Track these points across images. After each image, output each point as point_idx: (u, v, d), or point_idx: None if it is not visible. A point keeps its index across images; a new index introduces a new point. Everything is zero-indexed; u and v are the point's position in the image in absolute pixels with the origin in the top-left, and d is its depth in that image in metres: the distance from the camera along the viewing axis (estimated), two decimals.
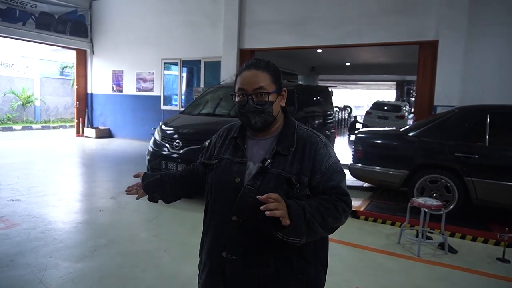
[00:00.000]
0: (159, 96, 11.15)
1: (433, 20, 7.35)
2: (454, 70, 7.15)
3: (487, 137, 4.33)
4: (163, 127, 5.68)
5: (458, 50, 7.08)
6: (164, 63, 10.97)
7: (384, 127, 12.66)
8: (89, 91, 12.61)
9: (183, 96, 11.02)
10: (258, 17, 9.33)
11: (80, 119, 12.40)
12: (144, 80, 11.37)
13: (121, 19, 11.54)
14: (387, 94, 34.90)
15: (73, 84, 16.88)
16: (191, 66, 11.04)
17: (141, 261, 3.31)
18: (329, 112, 8.07)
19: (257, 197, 1.13)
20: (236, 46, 9.55)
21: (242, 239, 1.27)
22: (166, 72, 11.12)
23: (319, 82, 18.67)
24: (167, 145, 5.31)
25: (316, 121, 7.28)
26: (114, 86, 12.03)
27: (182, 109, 9.51)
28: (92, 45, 12.18)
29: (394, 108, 15.22)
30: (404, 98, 23.56)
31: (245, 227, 1.26)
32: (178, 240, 3.82)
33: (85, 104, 12.59)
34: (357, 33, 8.16)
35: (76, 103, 12.46)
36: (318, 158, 1.28)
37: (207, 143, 5.48)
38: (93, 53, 12.26)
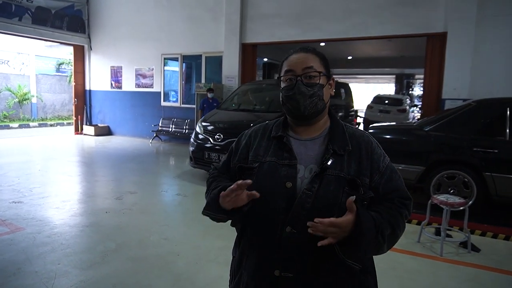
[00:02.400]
0: (159, 92, 10.95)
1: (441, 12, 7.19)
2: (463, 62, 7.01)
3: (508, 130, 4.20)
4: (204, 123, 6.35)
5: (467, 42, 6.94)
6: (164, 58, 10.76)
7: (386, 121, 12.55)
8: (87, 88, 12.37)
9: (179, 92, 10.80)
10: (260, 11, 9.13)
11: (79, 116, 12.18)
12: (144, 76, 11.15)
13: (119, 14, 11.29)
14: (385, 87, 34.77)
15: (70, 81, 16.64)
16: (191, 62, 10.84)
17: (155, 267, 3.15)
18: (350, 105, 8.52)
19: (308, 223, 1.01)
20: (238, 40, 9.35)
21: (299, 253, 1.10)
22: (166, 67, 10.90)
23: None
24: (210, 138, 5.97)
25: (340, 114, 7.79)
26: (113, 82, 11.80)
27: (182, 105, 9.41)
28: (90, 41, 11.93)
29: (395, 101, 15.07)
30: (404, 91, 23.45)
31: (302, 239, 1.09)
32: (190, 243, 3.67)
33: (83, 101, 12.35)
34: (363, 26, 7.99)
35: (74, 100, 12.23)
36: (375, 157, 1.17)
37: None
38: (91, 49, 12.01)
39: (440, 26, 7.21)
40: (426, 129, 4.73)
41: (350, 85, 10.08)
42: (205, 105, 8.74)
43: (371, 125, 5.53)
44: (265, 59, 14.45)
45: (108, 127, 12.04)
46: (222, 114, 6.71)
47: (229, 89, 9.42)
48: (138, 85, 11.30)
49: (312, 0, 8.45)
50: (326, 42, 10.43)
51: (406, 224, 1.19)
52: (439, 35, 7.26)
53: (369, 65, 16.93)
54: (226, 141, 5.81)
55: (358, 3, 7.96)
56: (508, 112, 4.24)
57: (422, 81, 22.47)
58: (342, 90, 8.49)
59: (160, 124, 10.74)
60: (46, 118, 17.44)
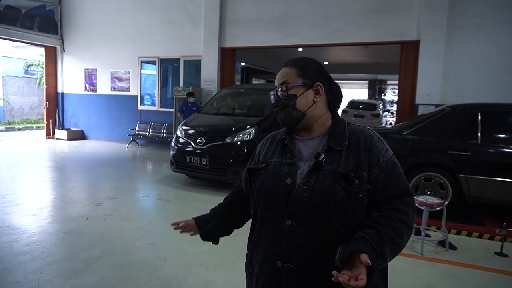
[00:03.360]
0: (136, 96, 10.75)
1: (415, 20, 7.51)
2: (435, 69, 7.33)
3: (479, 134, 4.43)
4: (184, 127, 6.35)
5: (438, 50, 7.26)
6: (141, 61, 10.58)
7: (361, 125, 12.87)
8: (59, 91, 11.95)
9: (157, 96, 10.64)
10: (240, 15, 9.18)
11: (50, 120, 11.73)
12: (120, 79, 10.91)
13: (94, 15, 11.01)
14: (357, 92, 35.74)
15: (40, 83, 16.05)
16: (170, 65, 10.72)
17: (142, 273, 3.09)
18: None
19: (333, 272, 0.96)
20: (217, 44, 9.35)
21: (298, 245, 1.16)
22: (143, 71, 10.72)
23: None
24: (191, 142, 5.95)
25: None
26: (87, 85, 11.47)
27: (159, 108, 9.23)
28: (63, 42, 11.56)
29: (369, 106, 15.52)
30: (376, 96, 24.18)
31: (301, 232, 1.16)
32: (177, 249, 3.62)
33: (55, 104, 11.92)
34: (341, 32, 8.20)
35: (46, 103, 11.78)
36: (375, 152, 1.19)
37: (228, 140, 5.37)
38: (64, 51, 11.63)
39: (413, 34, 7.52)
40: (404, 133, 4.92)
41: None
42: (184, 109, 8.69)
43: None
44: (243, 64, 14.51)
45: (82, 131, 11.67)
46: (203, 118, 6.70)
47: (208, 93, 9.40)
48: (113, 88, 11.04)
49: (291, 6, 8.58)
50: (304, 48, 10.62)
51: None
52: (412, 43, 7.57)
53: (344, 71, 17.35)
54: (208, 145, 5.82)
55: (336, 11, 8.16)
56: (480, 117, 4.48)
57: (393, 86, 23.26)
58: None
59: (137, 128, 10.53)
60: (14, 122, 16.67)
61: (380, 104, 16.61)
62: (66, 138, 11.25)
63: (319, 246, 1.14)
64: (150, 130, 10.34)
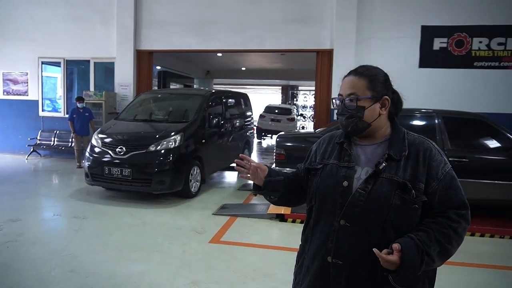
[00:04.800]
0: (37, 101, 9.51)
1: (328, 31, 8.06)
2: None
3: None
4: (100, 135, 5.84)
5: (349, 60, 7.87)
6: (42, 62, 9.40)
7: (277, 129, 13.39)
8: None
9: (63, 101, 9.58)
10: (156, 17, 8.78)
11: None
12: (15, 82, 9.53)
13: None
14: (271, 97, 37.19)
15: None
16: (77, 67, 9.74)
17: None
18: (248, 114, 8.79)
19: (374, 249, 1.12)
20: (132, 46, 8.81)
21: (350, 244, 1.24)
22: (45, 73, 9.54)
23: (214, 85, 18.72)
24: (110, 152, 5.48)
25: (239, 122, 7.96)
26: None
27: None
28: None
29: (284, 111, 16.19)
30: (290, 101, 25.41)
31: (353, 232, 1.24)
32: (105, 272, 3.24)
33: None
34: (259, 39, 8.39)
35: None
36: (434, 164, 1.24)
37: (152, 148, 5.01)
38: None
39: (327, 43, 8.07)
40: None
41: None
42: (75, 116, 8.02)
43: (278, 134, 5.79)
44: (158, 67, 13.92)
45: None
46: (121, 125, 6.25)
47: (123, 98, 8.80)
48: (7, 92, 9.58)
49: (210, 10, 8.50)
50: (223, 53, 10.64)
51: None
52: (327, 51, 8.11)
53: (260, 76, 17.85)
54: (130, 154, 5.44)
55: (254, 18, 8.32)
56: None
57: (305, 92, 24.76)
58: (242, 100, 8.73)
59: (38, 137, 9.29)
60: None
61: (294, 109, 17.46)
62: None
63: (368, 247, 1.18)
64: (56, 139, 9.21)
